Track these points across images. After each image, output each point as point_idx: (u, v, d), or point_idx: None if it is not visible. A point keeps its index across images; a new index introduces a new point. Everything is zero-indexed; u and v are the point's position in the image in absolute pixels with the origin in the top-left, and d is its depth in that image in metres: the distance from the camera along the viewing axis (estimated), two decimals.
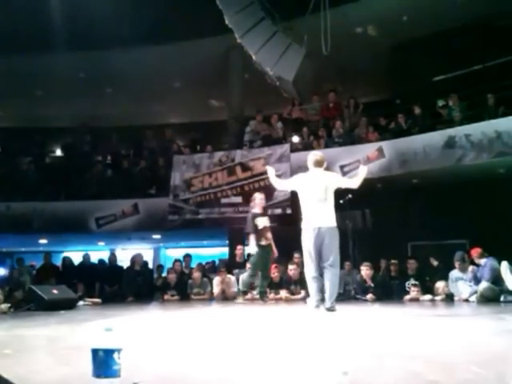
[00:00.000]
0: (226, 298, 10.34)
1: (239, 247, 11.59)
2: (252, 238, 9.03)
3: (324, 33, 9.94)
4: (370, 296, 9.40)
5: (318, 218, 6.22)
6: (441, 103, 11.93)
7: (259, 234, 9.07)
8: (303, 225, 6.38)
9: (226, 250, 14.30)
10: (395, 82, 14.16)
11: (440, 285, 9.39)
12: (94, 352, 2.16)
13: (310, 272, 6.31)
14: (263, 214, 9.34)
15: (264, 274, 9.38)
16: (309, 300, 8.83)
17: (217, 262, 13.22)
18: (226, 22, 10.65)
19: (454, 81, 12.19)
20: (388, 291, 9.70)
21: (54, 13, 11.89)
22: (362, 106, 13.83)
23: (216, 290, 10.47)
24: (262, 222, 9.15)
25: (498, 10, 12.15)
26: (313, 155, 6.65)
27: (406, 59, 13.46)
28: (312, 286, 6.33)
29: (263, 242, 9.09)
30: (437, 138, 11.06)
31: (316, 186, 6.34)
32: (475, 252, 9.07)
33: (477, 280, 8.77)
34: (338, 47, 10.28)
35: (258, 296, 9.50)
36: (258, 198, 9.44)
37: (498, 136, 10.27)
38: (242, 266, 10.97)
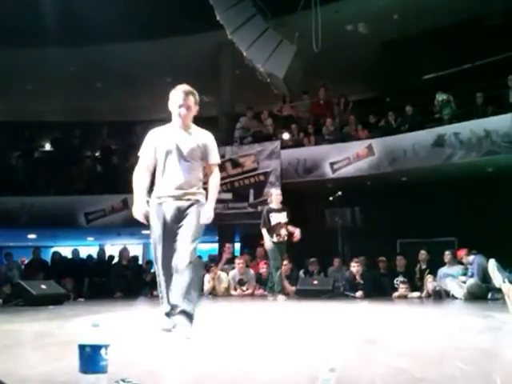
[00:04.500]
0: (215, 294, 10.34)
1: (228, 245, 11.81)
2: (265, 233, 8.73)
3: (315, 30, 9.97)
4: (359, 293, 9.40)
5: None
6: (441, 97, 11.83)
7: (271, 229, 8.74)
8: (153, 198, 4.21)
9: (215, 246, 14.29)
10: (385, 79, 14.15)
11: (428, 282, 9.42)
12: (81, 348, 2.15)
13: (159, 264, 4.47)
14: (279, 210, 8.91)
15: (275, 272, 8.99)
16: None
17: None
18: (218, 18, 10.67)
19: (444, 79, 12.22)
20: (377, 288, 9.73)
21: (45, 7, 11.82)
22: (352, 103, 13.85)
23: (207, 286, 10.46)
24: (276, 218, 8.80)
25: (488, 9, 12.22)
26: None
27: (396, 57, 13.47)
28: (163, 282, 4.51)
29: (275, 239, 8.70)
30: (426, 136, 11.08)
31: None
32: (462, 251, 9.12)
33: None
34: (329, 44, 10.32)
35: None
36: (275, 194, 9.13)
37: (486, 135, 10.30)
38: (230, 261, 11.21)
